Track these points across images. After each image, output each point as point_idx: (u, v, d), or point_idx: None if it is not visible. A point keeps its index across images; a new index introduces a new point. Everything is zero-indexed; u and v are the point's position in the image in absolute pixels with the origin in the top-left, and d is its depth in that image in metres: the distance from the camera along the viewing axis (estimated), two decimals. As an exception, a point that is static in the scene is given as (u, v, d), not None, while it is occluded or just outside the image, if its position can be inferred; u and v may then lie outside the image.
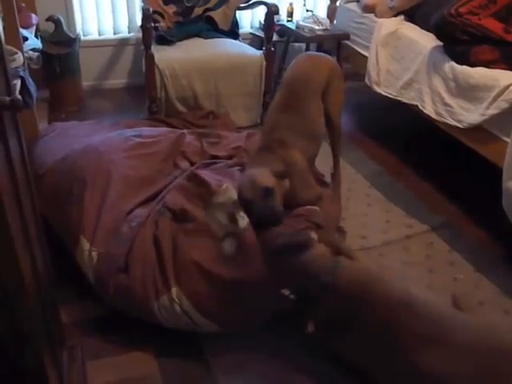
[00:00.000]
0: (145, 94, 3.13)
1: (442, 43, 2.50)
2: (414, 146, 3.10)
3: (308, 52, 2.37)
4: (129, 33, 3.77)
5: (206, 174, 2.03)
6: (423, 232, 2.32)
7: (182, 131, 2.49)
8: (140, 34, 3.55)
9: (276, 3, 3.26)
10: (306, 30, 3.33)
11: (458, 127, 2.34)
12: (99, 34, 3.72)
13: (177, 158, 2.29)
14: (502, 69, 2.22)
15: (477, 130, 2.24)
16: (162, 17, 3.32)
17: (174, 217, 1.86)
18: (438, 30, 2.41)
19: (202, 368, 1.65)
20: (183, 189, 1.99)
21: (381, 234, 2.25)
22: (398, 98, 2.79)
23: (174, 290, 1.67)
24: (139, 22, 3.68)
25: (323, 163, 2.30)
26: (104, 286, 1.75)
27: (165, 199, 1.95)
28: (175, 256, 1.72)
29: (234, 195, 1.82)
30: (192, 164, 2.32)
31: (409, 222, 2.38)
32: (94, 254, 1.80)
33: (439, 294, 1.93)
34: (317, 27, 3.32)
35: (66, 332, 1.54)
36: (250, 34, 3.90)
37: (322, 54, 2.45)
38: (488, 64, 2.24)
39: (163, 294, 1.67)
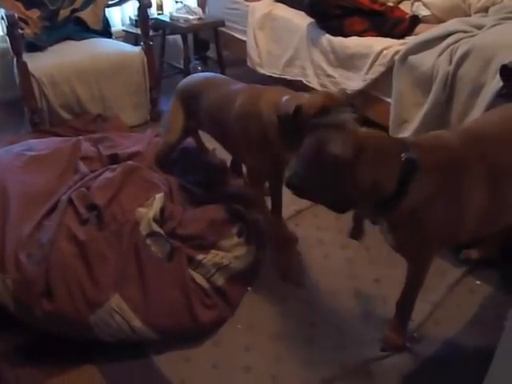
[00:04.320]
0: (21, 106, 2.94)
1: (314, 20, 2.66)
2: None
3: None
4: (-11, 44, 3.47)
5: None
6: (329, 197, 2.47)
7: (77, 138, 2.39)
8: (3, 44, 3.34)
9: (146, -3, 3.21)
10: (181, 21, 3.33)
11: (343, 95, 2.50)
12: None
13: (77, 165, 2.20)
14: (372, 36, 2.43)
15: (361, 95, 2.42)
16: (26, 23, 3.11)
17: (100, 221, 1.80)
18: (313, 8, 2.56)
19: (148, 367, 1.62)
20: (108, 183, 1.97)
21: (291, 205, 2.35)
22: (282, 77, 2.91)
23: (114, 299, 1.63)
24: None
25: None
26: (29, 311, 1.64)
27: (92, 198, 1.90)
28: (115, 263, 1.68)
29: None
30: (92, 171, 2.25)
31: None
32: (9, 281, 1.68)
33: (354, 250, 2.10)
34: (191, 17, 3.34)
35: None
36: (123, 31, 3.80)
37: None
38: (360, 33, 2.43)
39: (100, 306, 1.62)
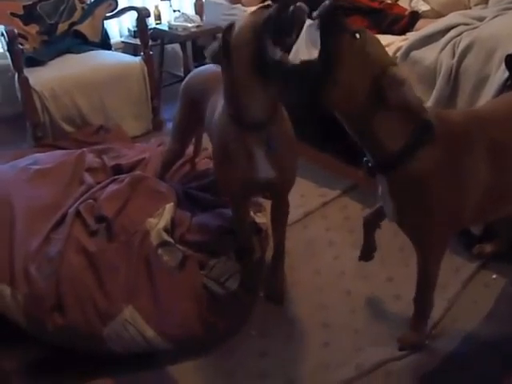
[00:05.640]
0: (22, 121, 2.95)
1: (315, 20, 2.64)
2: (301, 122, 3.22)
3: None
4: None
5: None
6: (336, 197, 2.46)
7: (81, 150, 2.38)
8: (2, 61, 3.35)
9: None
10: (180, 30, 3.34)
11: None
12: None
13: (82, 176, 2.19)
14: (373, 33, 2.40)
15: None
16: (26, 38, 3.13)
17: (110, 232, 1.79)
18: (312, 10, 2.53)
19: (164, 378, 1.60)
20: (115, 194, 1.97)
21: (300, 208, 2.33)
22: (283, 79, 2.89)
23: (127, 311, 1.61)
24: (-2, 48, 3.46)
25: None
26: (40, 326, 1.62)
27: (100, 210, 1.89)
28: (126, 273, 1.67)
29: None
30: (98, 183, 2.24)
31: (321, 191, 2.51)
32: (20, 296, 1.66)
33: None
34: (189, 25, 3.34)
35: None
36: (122, 42, 3.81)
37: None
38: (361, 32, 2.41)
39: (112, 318, 1.60)
